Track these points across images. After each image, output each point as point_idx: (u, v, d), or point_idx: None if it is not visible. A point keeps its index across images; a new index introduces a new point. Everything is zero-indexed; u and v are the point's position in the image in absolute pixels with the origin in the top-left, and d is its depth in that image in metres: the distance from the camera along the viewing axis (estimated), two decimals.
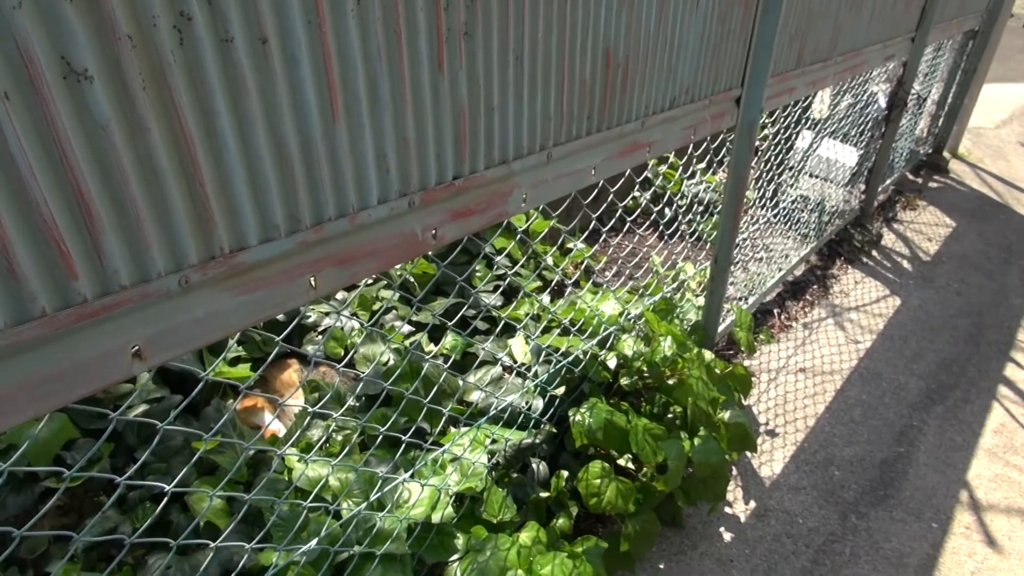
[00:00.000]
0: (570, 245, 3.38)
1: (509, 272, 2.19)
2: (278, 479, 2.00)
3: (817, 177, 3.89)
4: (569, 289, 2.82)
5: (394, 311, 2.98)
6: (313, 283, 1.10)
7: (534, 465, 2.19)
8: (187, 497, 1.90)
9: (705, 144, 2.62)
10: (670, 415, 2.29)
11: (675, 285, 2.82)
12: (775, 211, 3.34)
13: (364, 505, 1.71)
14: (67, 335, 0.86)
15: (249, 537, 1.83)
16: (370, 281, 3.09)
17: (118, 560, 1.07)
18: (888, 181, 4.63)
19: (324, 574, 1.65)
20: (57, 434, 1.90)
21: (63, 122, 0.77)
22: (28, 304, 0.82)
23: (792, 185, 3.91)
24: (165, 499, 1.20)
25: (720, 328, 2.81)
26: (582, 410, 2.13)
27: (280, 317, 2.76)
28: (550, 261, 3.33)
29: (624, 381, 2.26)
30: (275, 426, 2.39)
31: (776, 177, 3.50)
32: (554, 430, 2.20)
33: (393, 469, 1.89)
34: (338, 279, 1.13)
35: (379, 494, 1.77)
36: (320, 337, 2.71)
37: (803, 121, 3.84)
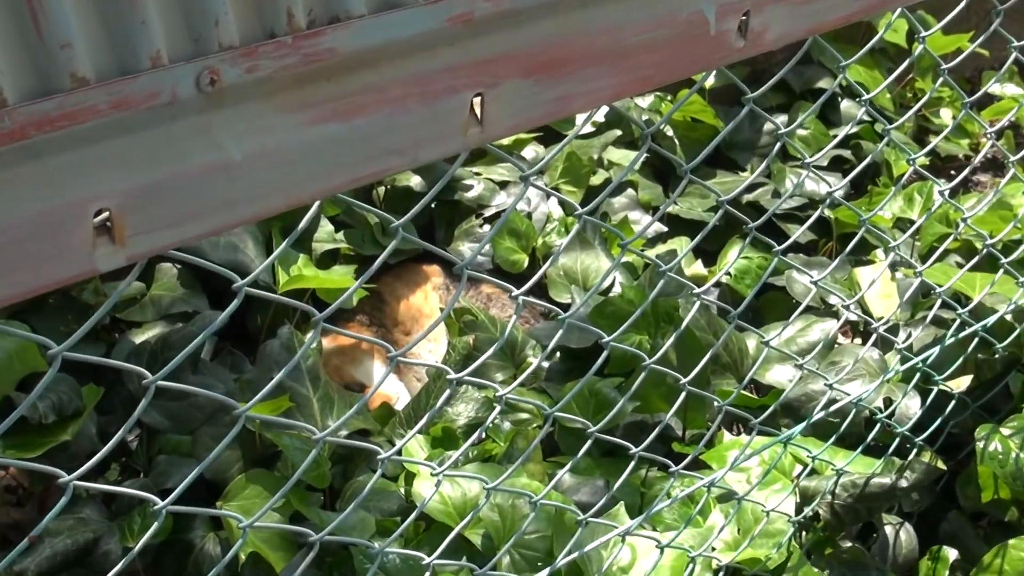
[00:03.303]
0: (992, 89, 3.07)
1: (884, 130, 2.00)
2: (386, 492, 2.00)
3: None
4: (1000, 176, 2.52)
5: (629, 192, 2.82)
6: (477, 110, 1.02)
7: (888, 529, 2.14)
8: (220, 503, 1.97)
9: None
10: None
11: None
12: None
13: (547, 572, 1.64)
14: None
15: None
16: (587, 126, 2.96)
17: None
18: None
19: None
20: (11, 360, 1.92)
21: None
22: None
23: None
24: (164, 506, 1.14)
25: None
26: (1004, 430, 2.03)
27: (412, 181, 2.71)
28: (948, 119, 3.03)
29: None
30: (391, 386, 2.43)
31: None
32: (940, 465, 2.11)
33: (606, 503, 1.85)
34: (529, 106, 1.06)
35: (575, 552, 1.72)
36: (486, 228, 2.63)
37: None
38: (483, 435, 2.19)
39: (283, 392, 2.17)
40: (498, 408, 1.60)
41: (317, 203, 1.04)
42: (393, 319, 2.50)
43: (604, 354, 1.62)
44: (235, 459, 2.12)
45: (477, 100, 1.02)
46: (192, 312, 2.30)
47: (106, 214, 0.87)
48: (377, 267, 1.20)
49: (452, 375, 1.39)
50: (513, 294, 1.32)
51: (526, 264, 2.68)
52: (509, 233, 2.68)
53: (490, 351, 1.46)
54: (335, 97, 0.94)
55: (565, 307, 2.50)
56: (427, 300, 2.50)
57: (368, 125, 0.96)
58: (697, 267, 2.75)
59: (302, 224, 1.11)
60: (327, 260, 2.55)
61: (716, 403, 1.85)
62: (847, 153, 3.21)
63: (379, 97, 0.96)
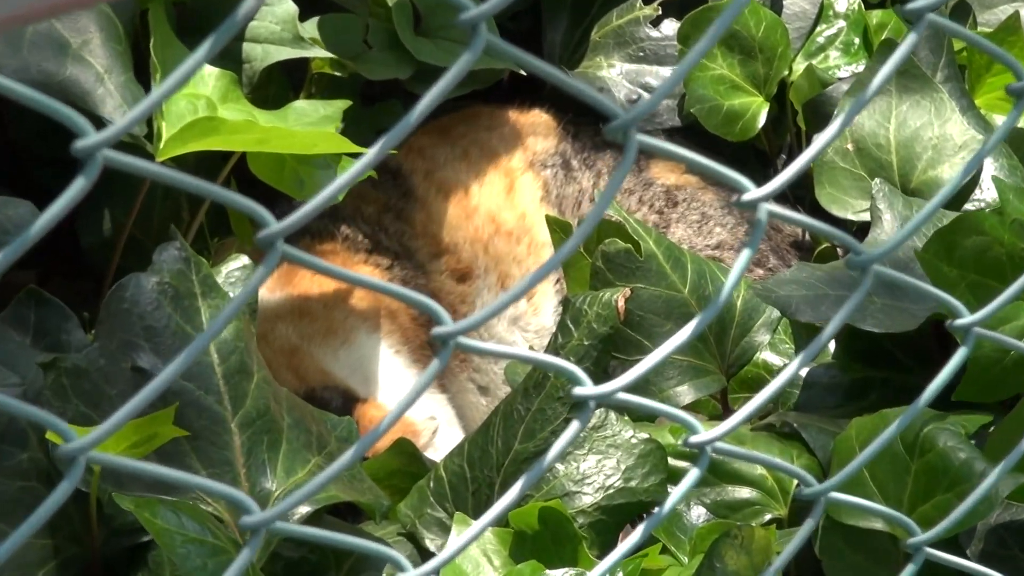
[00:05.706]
0: None
1: None
2: None
3: None
4: None
5: None
6: None
7: None
8: None
9: None
10: None
11: None
12: None
13: None
14: None
15: None
16: None
17: None
18: None
19: None
20: None
21: None
22: None
23: None
24: None
25: None
26: None
27: None
28: None
29: None
30: (421, 404, 2.17)
31: None
32: None
33: None
34: None
35: None
36: (668, 28, 2.33)
37: None
38: (642, 534, 1.65)
39: (164, 403, 1.80)
40: (693, 475, 1.27)
41: None
42: (433, 242, 1.95)
43: (957, 356, 1.39)
44: (40, 555, 1.75)
45: None
46: None
47: None
48: (423, 115, 0.86)
49: (579, 390, 1.01)
50: (734, 199, 1.08)
51: (762, 119, 2.04)
52: (726, 44, 2.12)
53: (679, 339, 1.10)
54: None
55: (857, 231, 1.94)
56: (512, 196, 1.92)
57: None
58: None
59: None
60: (276, 90, 1.99)
61: None
62: None
63: None
